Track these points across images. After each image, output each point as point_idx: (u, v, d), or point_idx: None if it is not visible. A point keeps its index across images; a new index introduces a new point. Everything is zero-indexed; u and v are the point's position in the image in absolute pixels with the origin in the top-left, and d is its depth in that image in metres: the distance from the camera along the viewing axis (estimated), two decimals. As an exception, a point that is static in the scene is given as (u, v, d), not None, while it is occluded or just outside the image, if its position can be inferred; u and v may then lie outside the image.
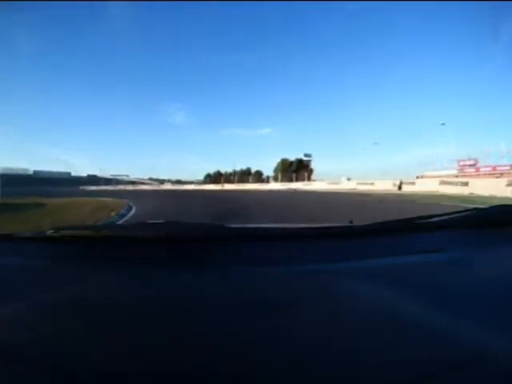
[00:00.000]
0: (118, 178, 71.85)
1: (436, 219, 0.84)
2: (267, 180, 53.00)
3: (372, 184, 22.85)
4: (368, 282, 0.51)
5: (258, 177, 53.63)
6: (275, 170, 51.55)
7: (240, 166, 57.21)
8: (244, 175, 53.32)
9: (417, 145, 62.46)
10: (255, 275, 0.56)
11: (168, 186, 52.59)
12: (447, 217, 0.84)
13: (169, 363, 0.31)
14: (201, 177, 63.24)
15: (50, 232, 0.79)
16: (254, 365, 0.31)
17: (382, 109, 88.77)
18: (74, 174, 77.88)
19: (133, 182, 65.31)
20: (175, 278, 0.56)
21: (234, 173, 54.53)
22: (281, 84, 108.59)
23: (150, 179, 70.95)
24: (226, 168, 60.63)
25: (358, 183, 24.26)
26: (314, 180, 35.25)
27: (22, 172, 69.79)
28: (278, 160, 51.34)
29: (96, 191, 31.89)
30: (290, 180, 38.45)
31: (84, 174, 71.64)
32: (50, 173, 75.12)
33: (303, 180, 37.55)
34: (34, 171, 74.09)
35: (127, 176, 74.40)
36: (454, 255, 0.66)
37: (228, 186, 42.81)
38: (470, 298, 0.46)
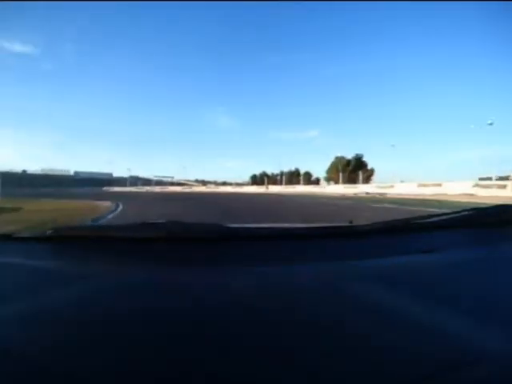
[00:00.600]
0: (163, 179, 72.01)
1: (435, 219, 0.84)
2: (317, 182, 46.55)
3: (503, 187, 14.72)
4: (368, 282, 0.51)
5: (308, 178, 47.00)
6: (328, 171, 44.27)
7: (287, 167, 51.37)
8: (292, 176, 47.18)
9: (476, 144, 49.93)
10: (256, 275, 0.56)
11: (201, 188, 49.27)
12: (447, 217, 0.84)
13: (169, 364, 0.31)
14: (247, 178, 59.45)
15: (49, 232, 0.79)
16: (255, 365, 0.31)
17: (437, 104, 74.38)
18: (115, 175, 79.38)
19: (161, 183, 65.03)
20: (176, 278, 0.56)
21: (281, 174, 48.53)
22: (325, 85, 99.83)
23: (196, 181, 69.80)
24: (273, 169, 55.45)
25: (475, 185, 16.19)
26: (389, 184, 26.87)
27: (60, 173, 73.09)
28: (333, 159, 43.89)
29: (110, 192, 30.42)
30: (353, 181, 30.74)
31: (126, 175, 72.24)
32: (91, 173, 77.29)
33: (366, 181, 29.87)
34: (75, 172, 76.85)
35: (172, 177, 74.29)
36: (453, 255, 0.66)
37: (274, 188, 37.07)
38: (470, 298, 0.46)
